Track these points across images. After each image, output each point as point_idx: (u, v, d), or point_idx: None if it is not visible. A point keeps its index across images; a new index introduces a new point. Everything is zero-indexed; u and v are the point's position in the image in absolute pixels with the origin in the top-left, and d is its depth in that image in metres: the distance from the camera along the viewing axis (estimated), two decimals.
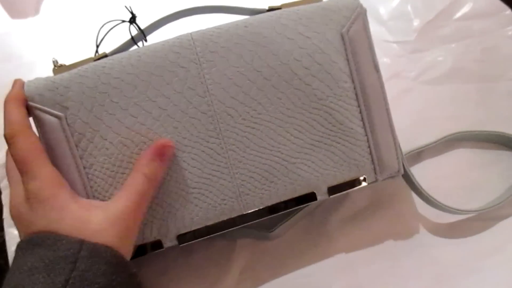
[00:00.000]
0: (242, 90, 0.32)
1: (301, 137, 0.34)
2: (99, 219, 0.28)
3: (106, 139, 0.31)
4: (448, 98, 0.45)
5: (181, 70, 0.32)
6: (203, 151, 0.32)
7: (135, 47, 0.36)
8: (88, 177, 0.31)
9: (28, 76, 0.33)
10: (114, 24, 0.35)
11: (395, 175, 0.36)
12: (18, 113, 0.29)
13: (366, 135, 0.34)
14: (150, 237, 0.32)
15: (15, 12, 0.51)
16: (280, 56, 0.33)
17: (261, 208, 0.34)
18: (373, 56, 0.34)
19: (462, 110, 0.45)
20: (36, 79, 0.32)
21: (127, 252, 0.29)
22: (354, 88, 0.34)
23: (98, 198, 0.32)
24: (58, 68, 0.33)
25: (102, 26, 0.35)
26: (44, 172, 0.28)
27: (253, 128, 0.33)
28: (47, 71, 0.34)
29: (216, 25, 0.33)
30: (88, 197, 0.31)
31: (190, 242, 0.33)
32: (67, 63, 0.33)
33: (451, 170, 0.42)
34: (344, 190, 0.35)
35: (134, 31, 0.36)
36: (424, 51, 0.48)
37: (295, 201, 0.34)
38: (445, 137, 0.42)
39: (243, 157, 0.33)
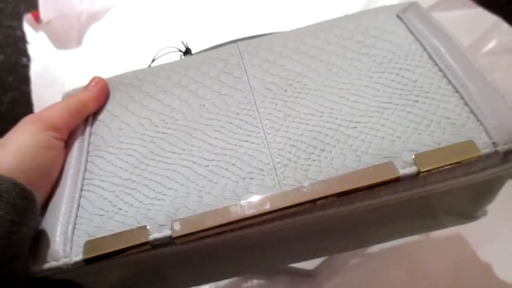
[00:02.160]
0: (285, 67, 0.28)
1: (362, 101, 0.25)
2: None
3: (123, 121, 0.28)
4: None
5: (220, 62, 0.30)
6: (231, 123, 0.26)
7: None
8: (88, 159, 0.27)
9: None
10: (169, 51, 0.36)
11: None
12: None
13: (458, 91, 0.24)
14: (133, 223, 0.23)
15: (59, 43, 0.54)
16: (328, 38, 0.29)
17: (307, 184, 0.22)
18: (440, 25, 0.28)
19: None
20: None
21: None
22: (424, 49, 0.27)
23: (87, 178, 0.26)
24: None
25: (159, 51, 0.36)
26: None
27: (297, 97, 0.26)
28: None
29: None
30: (76, 180, 0.26)
31: (187, 238, 0.22)
32: None
33: None
34: (442, 161, 0.22)
35: None
36: None
37: (361, 176, 0.22)
38: None
39: (282, 125, 0.25)
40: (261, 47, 0.30)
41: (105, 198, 0.24)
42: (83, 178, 0.26)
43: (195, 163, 0.25)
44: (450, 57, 0.26)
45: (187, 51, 0.36)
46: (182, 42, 0.36)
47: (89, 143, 0.28)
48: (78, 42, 0.56)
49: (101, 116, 0.29)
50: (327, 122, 0.25)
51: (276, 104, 0.26)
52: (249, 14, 0.57)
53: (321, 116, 0.25)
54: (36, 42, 0.54)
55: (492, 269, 0.38)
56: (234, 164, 0.24)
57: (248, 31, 0.41)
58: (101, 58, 0.53)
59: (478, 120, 0.23)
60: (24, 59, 0.56)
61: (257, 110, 0.26)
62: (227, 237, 0.22)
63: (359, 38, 0.29)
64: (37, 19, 0.54)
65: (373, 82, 0.26)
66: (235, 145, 0.25)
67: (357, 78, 0.27)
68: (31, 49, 0.54)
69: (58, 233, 0.23)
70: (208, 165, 0.24)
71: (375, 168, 0.22)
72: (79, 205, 0.25)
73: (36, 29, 0.55)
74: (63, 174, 0.26)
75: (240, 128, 0.26)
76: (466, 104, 0.23)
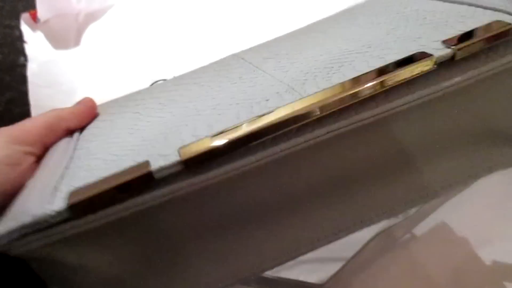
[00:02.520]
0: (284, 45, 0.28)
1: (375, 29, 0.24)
2: None
3: (115, 114, 0.27)
4: None
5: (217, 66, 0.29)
6: (226, 76, 0.25)
7: None
8: (76, 147, 0.24)
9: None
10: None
11: None
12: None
13: None
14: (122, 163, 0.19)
15: (57, 42, 0.54)
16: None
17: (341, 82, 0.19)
18: None
19: None
20: None
21: None
22: None
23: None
24: None
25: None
26: None
27: (301, 51, 0.24)
28: None
29: None
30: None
31: (203, 161, 0.18)
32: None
33: None
34: (476, 38, 0.20)
35: None
36: None
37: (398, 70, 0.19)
38: None
39: (292, 60, 0.23)
40: (263, 48, 0.29)
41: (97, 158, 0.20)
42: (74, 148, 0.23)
43: (198, 106, 0.21)
44: None
45: None
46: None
47: (77, 140, 0.25)
48: (76, 42, 0.55)
49: (87, 131, 0.26)
50: (342, 49, 0.22)
51: (280, 62, 0.23)
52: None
53: (330, 52, 0.22)
54: (34, 41, 0.54)
55: (492, 270, 0.38)
56: (245, 92, 0.21)
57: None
58: (100, 58, 0.53)
59: None
60: (22, 59, 0.56)
61: (257, 67, 0.24)
62: (247, 163, 0.18)
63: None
64: (34, 18, 0.54)
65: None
66: (239, 81, 0.22)
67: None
68: (29, 48, 0.53)
69: (36, 189, 0.19)
70: (214, 106, 0.21)
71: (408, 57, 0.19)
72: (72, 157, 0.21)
73: (33, 28, 0.54)
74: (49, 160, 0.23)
75: (241, 77, 0.23)
76: None
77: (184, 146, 0.18)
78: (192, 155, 0.17)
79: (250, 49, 0.30)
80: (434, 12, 0.22)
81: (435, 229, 0.40)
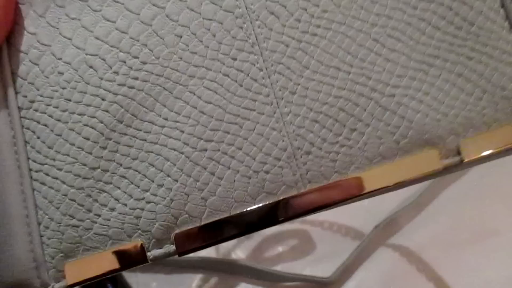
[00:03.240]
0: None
1: (402, 50, 0.19)
2: None
3: (60, 59, 0.19)
4: None
5: None
6: (227, 75, 0.19)
7: None
8: (23, 125, 0.19)
9: None
10: None
11: None
12: None
13: None
14: (123, 237, 0.19)
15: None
16: None
17: (337, 180, 0.19)
18: None
19: None
20: None
21: None
22: None
23: (36, 160, 0.19)
24: None
25: None
26: None
27: (315, 35, 0.19)
28: None
29: None
30: (18, 161, 0.19)
31: (197, 251, 0.19)
32: None
33: None
34: (489, 148, 0.19)
35: None
36: None
37: (399, 169, 0.19)
38: None
39: (298, 84, 0.19)
40: None
41: (72, 200, 0.19)
42: (27, 158, 0.19)
43: (186, 144, 0.19)
44: None
45: None
46: None
47: (15, 92, 0.19)
48: None
49: (21, 44, 0.19)
50: (357, 84, 0.19)
51: (287, 46, 0.19)
52: None
53: (348, 74, 0.19)
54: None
55: (498, 262, 0.38)
56: (240, 149, 0.19)
57: None
58: None
59: None
60: None
61: (261, 54, 0.19)
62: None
63: None
64: None
65: (417, 18, 0.20)
66: (238, 116, 0.19)
67: (395, 7, 0.20)
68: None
69: (22, 256, 0.18)
70: (205, 149, 0.19)
71: (415, 160, 0.19)
72: (36, 207, 0.19)
73: None
74: None
75: (241, 85, 0.19)
76: None
77: (178, 234, 0.18)
78: (188, 248, 0.18)
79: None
80: None
81: (436, 217, 0.40)
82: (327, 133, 0.19)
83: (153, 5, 0.19)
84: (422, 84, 0.19)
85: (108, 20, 0.19)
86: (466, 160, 0.19)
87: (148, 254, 0.18)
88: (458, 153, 0.19)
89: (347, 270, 0.37)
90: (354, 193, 0.19)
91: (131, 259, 0.18)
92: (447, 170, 0.19)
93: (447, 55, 0.20)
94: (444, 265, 0.39)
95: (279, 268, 0.36)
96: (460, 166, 0.19)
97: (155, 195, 0.19)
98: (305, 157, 0.19)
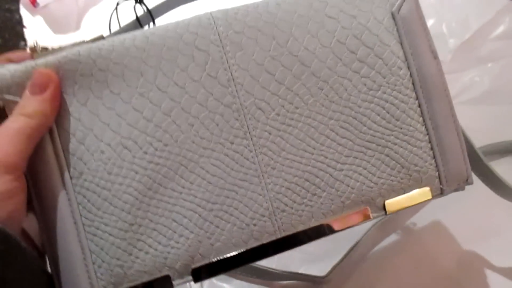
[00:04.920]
0: (275, 78, 0.26)
1: (349, 137, 0.27)
2: None
3: (101, 140, 0.25)
4: (486, 119, 0.45)
5: (199, 54, 0.25)
6: (227, 155, 0.26)
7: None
8: (75, 190, 0.25)
9: None
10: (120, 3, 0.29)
11: (463, 186, 0.29)
12: None
13: (428, 133, 0.28)
14: (155, 271, 0.25)
15: (57, 27, 0.53)
16: (321, 38, 0.27)
17: (300, 230, 0.27)
18: (430, 40, 0.28)
19: (500, 131, 0.44)
20: (10, 65, 0.24)
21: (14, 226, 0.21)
22: (411, 76, 0.28)
23: (88, 218, 0.25)
24: (41, 51, 0.25)
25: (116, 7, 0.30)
26: None
27: (289, 125, 0.26)
28: None
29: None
30: (74, 218, 0.24)
31: (208, 279, 0.26)
32: None
33: None
34: (404, 205, 0.28)
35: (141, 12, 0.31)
36: (460, 72, 0.48)
37: (343, 221, 0.27)
38: (482, 147, 0.41)
39: (277, 162, 0.26)
40: (245, 33, 0.26)
41: (118, 247, 0.25)
42: (80, 216, 0.25)
43: (199, 206, 0.26)
44: (433, 91, 0.28)
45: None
46: None
47: (68, 165, 0.24)
48: (77, 27, 0.54)
49: (69, 127, 0.24)
50: (318, 162, 0.27)
51: (270, 134, 0.26)
52: None
53: (312, 154, 0.27)
54: (33, 26, 0.53)
55: (499, 261, 0.38)
56: (237, 209, 0.26)
57: None
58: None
59: (437, 169, 0.28)
60: (22, 43, 0.55)
61: (251, 139, 0.26)
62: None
63: (352, 46, 0.27)
64: (33, 2, 0.53)
65: (361, 114, 0.27)
66: (235, 185, 0.26)
67: (346, 105, 0.27)
68: (28, 33, 0.53)
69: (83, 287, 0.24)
70: (212, 209, 0.26)
71: (355, 214, 0.27)
72: (90, 251, 0.25)
73: (33, 13, 0.53)
74: (49, 212, 0.24)
75: (237, 163, 0.26)
76: (432, 149, 0.28)
77: (194, 269, 0.25)
78: (203, 279, 0.26)
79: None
80: None
81: (437, 216, 0.40)
82: (296, 197, 0.27)
83: (171, 99, 0.25)
84: (362, 162, 0.27)
85: (137, 111, 0.25)
86: (388, 212, 0.28)
87: (173, 282, 0.25)
88: (384, 208, 0.28)
89: (342, 269, 0.38)
90: (313, 236, 0.27)
91: (161, 286, 0.25)
92: (374, 218, 0.28)
93: (379, 141, 0.28)
94: (444, 261, 0.39)
95: (275, 266, 0.38)
96: (384, 216, 0.30)
97: (177, 242, 0.25)
98: (281, 214, 0.27)
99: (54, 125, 0.24)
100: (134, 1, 0.30)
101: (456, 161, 0.28)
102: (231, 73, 0.26)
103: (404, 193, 0.28)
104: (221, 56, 0.26)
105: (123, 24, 0.30)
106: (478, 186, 0.41)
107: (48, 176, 0.24)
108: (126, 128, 0.25)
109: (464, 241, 0.39)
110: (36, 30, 0.53)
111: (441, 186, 0.28)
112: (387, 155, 0.28)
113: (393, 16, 0.28)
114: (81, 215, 0.25)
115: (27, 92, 0.23)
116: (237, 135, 0.26)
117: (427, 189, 0.28)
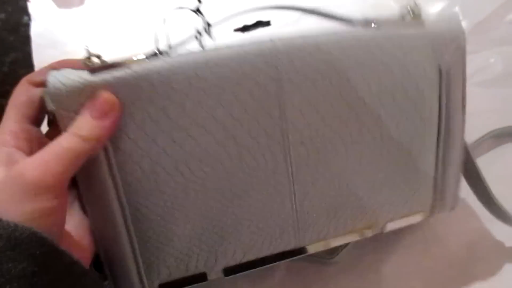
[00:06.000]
0: (324, 119, 0.28)
1: (373, 172, 0.30)
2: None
3: (157, 162, 0.26)
4: (500, 101, 0.44)
5: (258, 89, 0.26)
6: (269, 183, 0.28)
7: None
8: (129, 203, 0.26)
9: None
10: (175, 12, 0.29)
11: (447, 211, 0.34)
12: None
13: (436, 176, 0.32)
14: (194, 270, 0.29)
15: (61, 1, 0.52)
16: (371, 85, 0.28)
17: (316, 242, 0.31)
18: (464, 92, 0.31)
19: None
20: (67, 78, 0.24)
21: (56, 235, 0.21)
22: (439, 127, 0.31)
23: (143, 238, 0.27)
24: (100, 64, 0.25)
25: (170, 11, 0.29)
26: None
27: (327, 162, 0.29)
28: None
29: (299, 31, 0.28)
30: (133, 249, 0.27)
31: (237, 274, 0.30)
32: (108, 51, 0.27)
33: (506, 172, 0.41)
34: (398, 226, 0.33)
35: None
36: (474, 53, 0.46)
37: (343, 239, 0.32)
38: (493, 131, 0.40)
39: (308, 192, 0.29)
40: (305, 74, 0.27)
41: (171, 265, 0.29)
42: (135, 234, 0.27)
43: (249, 227, 0.29)
44: (453, 139, 0.31)
45: (198, 9, 0.30)
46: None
47: (121, 182, 0.25)
48: (81, 1, 0.53)
49: (125, 147, 0.25)
50: (343, 194, 0.30)
51: (308, 166, 0.28)
52: None
53: (339, 188, 0.30)
54: (37, 0, 0.52)
55: (506, 247, 0.37)
56: (270, 227, 0.29)
57: None
58: (104, 17, 0.51)
59: (433, 204, 0.33)
60: (26, 18, 0.54)
61: (291, 171, 0.28)
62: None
63: (396, 94, 0.29)
64: None
65: (386, 152, 0.30)
66: (272, 207, 0.29)
67: (378, 145, 0.30)
68: (32, 8, 0.52)
69: (136, 286, 0.27)
70: (258, 225, 0.29)
71: (356, 233, 0.32)
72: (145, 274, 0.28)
73: None
74: (105, 224, 0.26)
75: (276, 189, 0.28)
76: (434, 191, 0.33)
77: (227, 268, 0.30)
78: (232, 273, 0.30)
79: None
80: None
81: None
82: (321, 219, 0.30)
83: (224, 130, 0.26)
84: (378, 195, 0.31)
85: (193, 139, 0.26)
86: (385, 232, 0.33)
87: (208, 277, 0.29)
88: (381, 229, 0.33)
89: (353, 251, 0.37)
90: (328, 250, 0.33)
91: (197, 281, 0.29)
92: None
93: (396, 176, 0.31)
94: (453, 244, 0.38)
95: None
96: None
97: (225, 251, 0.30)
98: (304, 232, 0.30)
99: (110, 144, 0.25)
100: (194, 13, 0.29)
101: (451, 196, 0.33)
102: (284, 112, 0.27)
103: (402, 218, 0.33)
104: (278, 93, 0.27)
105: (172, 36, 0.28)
106: (490, 169, 0.41)
107: (103, 196, 0.25)
108: (180, 153, 0.26)
109: (474, 224, 0.38)
110: (39, 4, 0.52)
111: (432, 213, 0.34)
112: (402, 190, 0.32)
113: (440, 70, 0.30)
114: (136, 236, 0.27)
115: (86, 113, 0.23)
116: (280, 166, 0.28)
117: (420, 213, 0.33)
